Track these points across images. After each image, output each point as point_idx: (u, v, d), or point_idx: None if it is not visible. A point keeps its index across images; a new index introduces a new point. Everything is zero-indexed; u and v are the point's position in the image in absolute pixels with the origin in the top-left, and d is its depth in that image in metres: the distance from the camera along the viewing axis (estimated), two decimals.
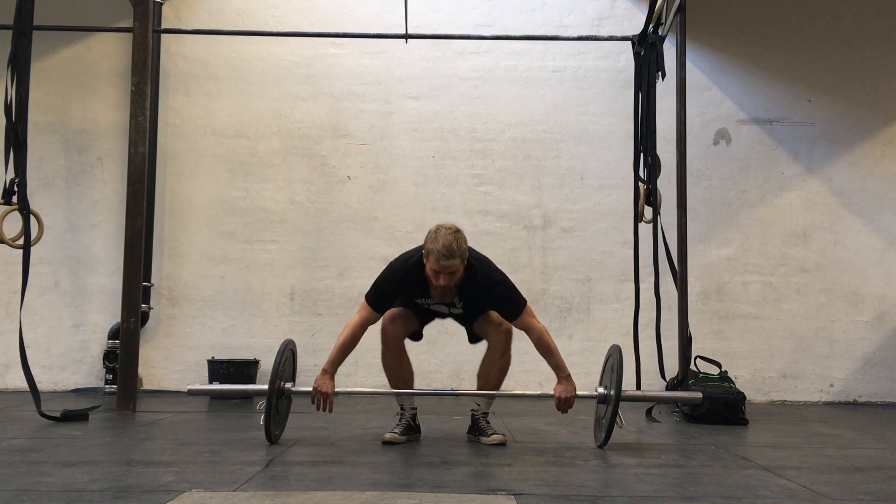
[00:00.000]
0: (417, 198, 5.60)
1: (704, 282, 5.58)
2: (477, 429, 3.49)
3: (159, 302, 5.54)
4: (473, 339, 3.64)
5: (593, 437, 3.51)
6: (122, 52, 5.50)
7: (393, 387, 3.53)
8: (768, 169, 5.69)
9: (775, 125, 5.73)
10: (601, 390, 3.41)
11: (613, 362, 3.37)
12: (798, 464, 3.09)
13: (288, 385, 3.39)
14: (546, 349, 3.36)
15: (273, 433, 3.28)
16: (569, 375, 3.35)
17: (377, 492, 2.40)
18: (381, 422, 3.96)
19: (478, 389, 3.54)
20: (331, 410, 3.33)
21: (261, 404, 3.24)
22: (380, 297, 3.39)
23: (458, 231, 3.22)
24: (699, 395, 3.78)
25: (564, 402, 3.31)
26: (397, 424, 3.48)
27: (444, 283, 3.21)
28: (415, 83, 5.69)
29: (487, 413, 3.53)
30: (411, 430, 3.48)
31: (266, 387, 3.23)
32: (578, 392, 3.36)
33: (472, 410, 3.54)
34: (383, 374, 3.54)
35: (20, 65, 3.93)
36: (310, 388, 3.33)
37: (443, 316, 3.55)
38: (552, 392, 3.34)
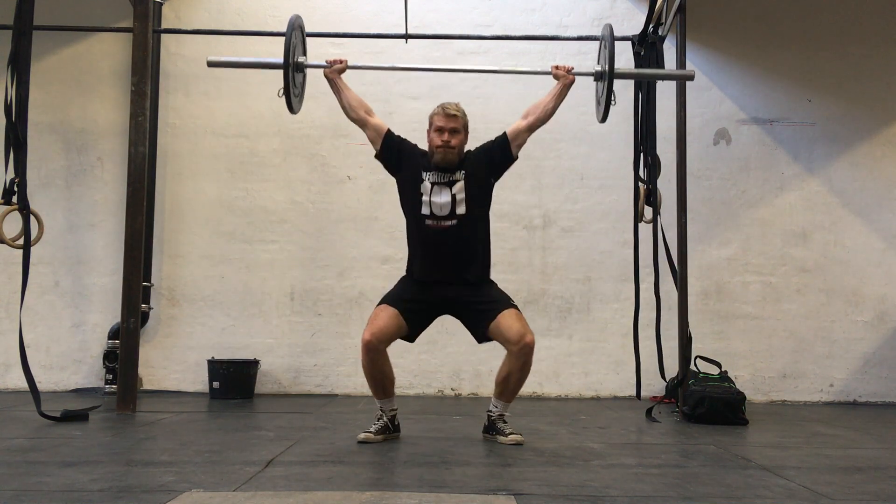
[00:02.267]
0: None
1: (704, 282, 5.58)
2: (494, 428, 3.46)
3: (159, 302, 5.54)
4: (482, 338, 3.50)
5: (595, 115, 3.87)
6: (122, 52, 5.50)
7: (373, 392, 3.46)
8: (768, 169, 5.69)
9: (775, 125, 5.73)
10: (597, 68, 3.69)
11: (605, 41, 3.58)
12: (798, 464, 3.10)
13: (301, 59, 3.62)
14: (540, 100, 3.68)
15: (294, 104, 3.63)
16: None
17: (377, 492, 2.40)
18: None
19: (497, 395, 3.47)
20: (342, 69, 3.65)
21: (280, 90, 3.52)
22: (395, 134, 3.63)
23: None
24: (692, 73, 4.05)
25: (561, 68, 3.62)
26: (374, 424, 3.46)
27: (447, 140, 3.45)
28: (415, 83, 5.68)
29: (504, 415, 3.50)
30: (388, 429, 3.45)
31: (281, 60, 3.46)
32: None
33: (489, 412, 3.50)
34: None
35: (20, 65, 3.93)
36: (322, 62, 3.64)
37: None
38: (549, 70, 3.68)
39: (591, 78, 3.89)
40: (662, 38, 4.57)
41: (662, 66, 4.46)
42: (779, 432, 4.06)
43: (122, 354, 4.46)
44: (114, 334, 5.33)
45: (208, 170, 5.64)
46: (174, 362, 5.51)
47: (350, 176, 5.64)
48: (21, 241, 4.00)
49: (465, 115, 3.58)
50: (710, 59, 5.76)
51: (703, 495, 2.46)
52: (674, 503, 2.36)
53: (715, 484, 2.65)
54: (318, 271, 5.59)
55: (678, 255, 4.50)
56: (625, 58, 5.53)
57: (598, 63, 3.76)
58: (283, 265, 5.58)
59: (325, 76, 3.64)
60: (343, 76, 3.70)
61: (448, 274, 3.45)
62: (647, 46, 4.50)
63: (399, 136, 3.62)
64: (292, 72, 3.55)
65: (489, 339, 3.47)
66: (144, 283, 5.15)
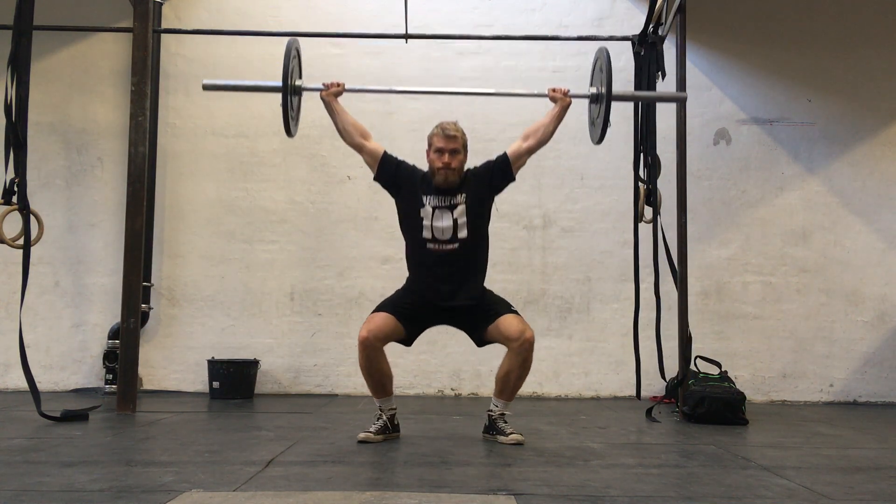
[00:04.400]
0: None
1: (704, 282, 5.58)
2: (495, 428, 3.46)
3: (159, 302, 5.54)
4: (481, 342, 3.54)
5: (589, 137, 3.91)
6: (122, 52, 5.50)
7: (372, 391, 3.48)
8: (768, 169, 5.69)
9: (775, 125, 5.73)
10: (593, 90, 3.72)
11: (602, 63, 3.60)
12: (798, 464, 3.10)
13: (298, 82, 3.67)
14: (539, 122, 3.58)
15: (291, 127, 3.66)
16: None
17: (377, 492, 2.40)
18: None
19: (497, 394, 3.49)
20: (340, 92, 3.60)
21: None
22: (393, 155, 3.59)
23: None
24: (684, 95, 4.14)
25: (558, 90, 3.62)
26: (373, 423, 3.47)
27: (447, 162, 3.43)
28: (415, 83, 5.67)
29: (505, 414, 3.50)
30: (388, 429, 3.46)
31: (280, 83, 3.53)
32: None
33: (490, 412, 3.51)
34: None
35: (20, 65, 3.93)
36: (319, 84, 3.61)
37: (444, 312, 3.48)
38: (546, 94, 3.66)
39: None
40: (662, 38, 4.57)
41: (662, 66, 4.45)
42: (779, 432, 4.06)
43: (122, 354, 4.46)
44: (114, 334, 5.33)
45: (208, 170, 5.64)
46: (174, 362, 5.51)
47: (350, 176, 5.64)
48: (21, 241, 4.00)
49: (464, 134, 3.54)
50: (710, 59, 5.76)
51: (703, 495, 2.46)
52: (674, 503, 2.36)
53: (715, 484, 2.65)
54: (318, 271, 5.59)
55: (678, 255, 4.50)
56: (625, 58, 5.55)
57: (593, 85, 3.77)
58: (283, 265, 5.59)
59: (322, 98, 3.58)
60: (342, 78, 3.70)
61: (448, 293, 3.47)
62: (647, 46, 4.50)
63: (396, 159, 3.59)
64: (290, 95, 3.59)
65: (488, 343, 3.51)
66: (144, 283, 5.15)
